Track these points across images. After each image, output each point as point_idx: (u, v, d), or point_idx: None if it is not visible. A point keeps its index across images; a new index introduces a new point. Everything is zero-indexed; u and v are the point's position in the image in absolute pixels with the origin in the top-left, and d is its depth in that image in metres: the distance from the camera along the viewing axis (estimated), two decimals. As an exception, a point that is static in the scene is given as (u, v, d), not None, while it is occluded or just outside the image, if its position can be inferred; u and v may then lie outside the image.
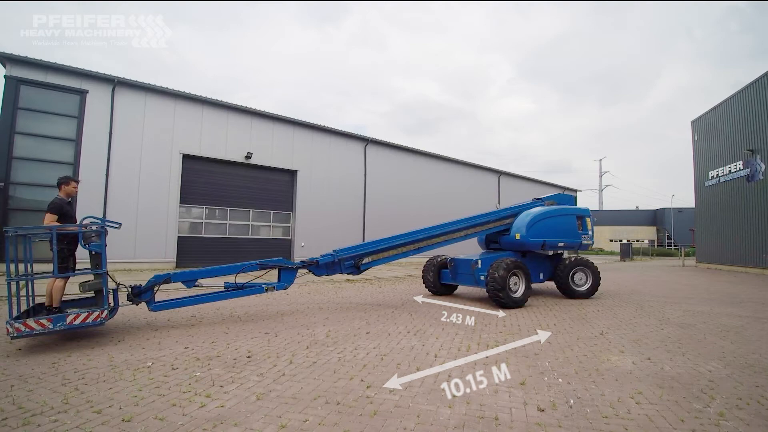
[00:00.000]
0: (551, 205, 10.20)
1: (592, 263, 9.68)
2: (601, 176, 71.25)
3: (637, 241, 49.79)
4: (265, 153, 18.97)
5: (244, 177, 18.76)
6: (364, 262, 7.63)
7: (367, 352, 4.89)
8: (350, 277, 14.34)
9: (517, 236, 9.10)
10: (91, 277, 5.43)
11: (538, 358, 4.62)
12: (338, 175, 21.62)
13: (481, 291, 9.10)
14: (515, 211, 9.75)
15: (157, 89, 15.96)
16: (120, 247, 14.87)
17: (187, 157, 16.84)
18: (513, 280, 8.01)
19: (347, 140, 22.34)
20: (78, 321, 5.01)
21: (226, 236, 18.19)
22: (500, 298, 7.68)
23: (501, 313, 7.45)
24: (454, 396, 3.51)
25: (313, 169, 20.71)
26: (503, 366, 4.33)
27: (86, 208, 14.10)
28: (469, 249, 11.33)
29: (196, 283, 6.47)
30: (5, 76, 12.60)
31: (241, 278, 6.80)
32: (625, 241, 40.73)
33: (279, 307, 8.07)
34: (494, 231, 9.54)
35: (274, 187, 19.77)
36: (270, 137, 19.28)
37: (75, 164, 14.07)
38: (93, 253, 5.37)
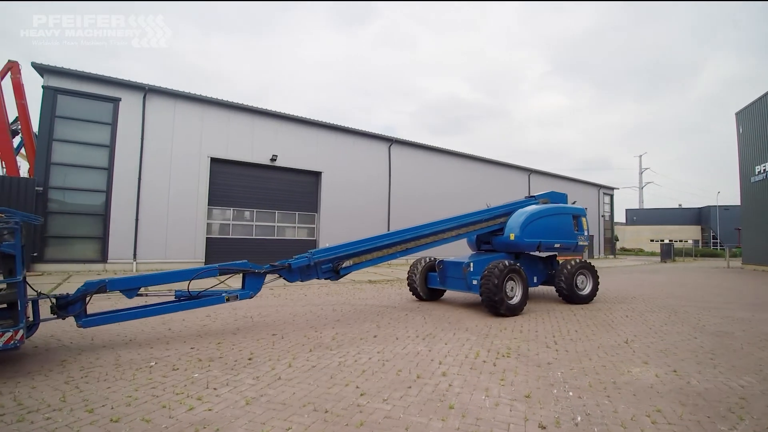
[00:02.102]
0: (545, 203, 9.65)
1: (592, 265, 9.12)
2: (641, 173, 67.94)
3: (680, 241, 46.93)
4: (289, 155, 19.20)
5: (269, 179, 19.06)
6: (344, 265, 6.68)
7: (369, 356, 4.74)
8: (371, 278, 14.26)
9: (512, 236, 8.47)
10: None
11: (550, 368, 4.31)
12: (362, 176, 21.59)
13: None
14: (508, 210, 9.08)
15: (185, 95, 16.49)
16: (152, 248, 15.48)
17: (214, 161, 17.28)
18: (509, 285, 7.39)
19: (371, 141, 22.29)
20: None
21: (253, 237, 18.54)
22: (495, 306, 7.01)
23: (520, 318, 7.11)
24: (450, 407, 3.30)
25: (338, 171, 20.78)
26: (510, 376, 4.06)
27: (120, 211, 14.80)
28: (459, 250, 10.71)
29: (140, 292, 5.31)
30: (43, 87, 13.36)
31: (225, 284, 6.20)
32: (666, 241, 38.48)
33: (294, 308, 8.06)
34: (486, 231, 8.83)
35: (298, 189, 19.98)
36: (294, 139, 19.49)
37: (109, 169, 14.73)
38: (3, 254, 4.13)
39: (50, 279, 11.39)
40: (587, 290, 8.84)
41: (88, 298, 4.94)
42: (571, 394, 3.60)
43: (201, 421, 3.05)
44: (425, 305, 8.46)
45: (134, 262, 14.94)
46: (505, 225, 8.77)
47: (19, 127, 15.98)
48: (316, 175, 20.32)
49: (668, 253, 30.64)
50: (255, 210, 18.64)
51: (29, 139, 15.57)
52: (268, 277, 6.12)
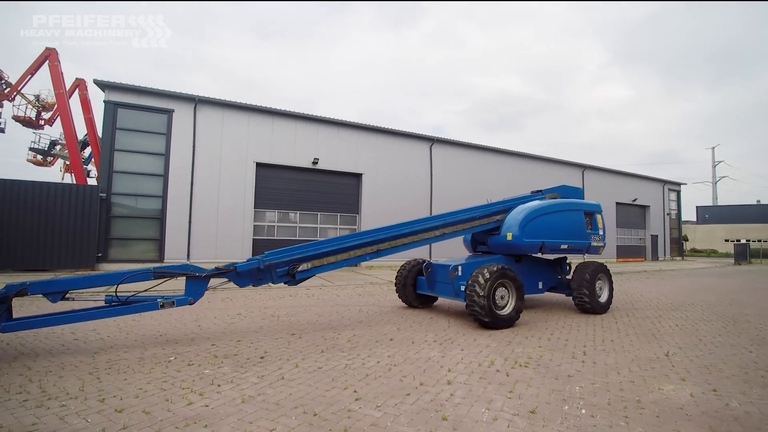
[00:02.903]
0: (554, 198, 8.51)
1: (608, 269, 8.08)
2: (714, 167, 61.67)
3: (759, 241, 41.80)
4: (331, 158, 19.59)
5: (311, 182, 19.57)
6: (300, 269, 5.98)
7: (378, 360, 4.65)
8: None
9: (509, 236, 7.46)
10: None
11: (569, 382, 3.97)
12: (403, 177, 21.51)
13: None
14: (507, 206, 8.01)
15: (232, 104, 17.39)
16: (203, 248, 16.46)
17: (259, 165, 18.05)
18: (500, 292, 6.40)
19: (412, 141, 22.15)
20: None
21: (297, 238, 19.11)
22: (480, 316, 6.10)
23: (552, 324, 6.66)
24: (443, 419, 3.13)
25: (378, 172, 20.87)
26: (521, 388, 3.79)
27: (175, 214, 15.89)
28: (462, 251, 9.70)
29: (67, 296, 4.97)
30: (105, 101, 14.71)
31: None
32: (742, 241, 34.50)
33: (322, 308, 8.16)
34: (482, 230, 7.86)
35: (340, 191, 20.33)
36: (335, 142, 19.85)
37: (165, 175, 15.87)
38: None
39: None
40: (605, 297, 7.86)
41: (9, 300, 4.59)
42: (583, 411, 3.28)
43: (194, 416, 3.13)
44: (453, 306, 8.19)
45: (188, 262, 15.96)
46: (502, 223, 7.78)
47: (88, 139, 17.70)
48: (357, 177, 20.55)
49: (743, 254, 27.47)
50: (298, 212, 19.22)
51: (96, 150, 17.16)
52: (218, 281, 5.66)
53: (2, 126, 20.25)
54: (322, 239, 6.55)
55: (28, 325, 4.72)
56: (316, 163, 19.09)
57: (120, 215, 15.16)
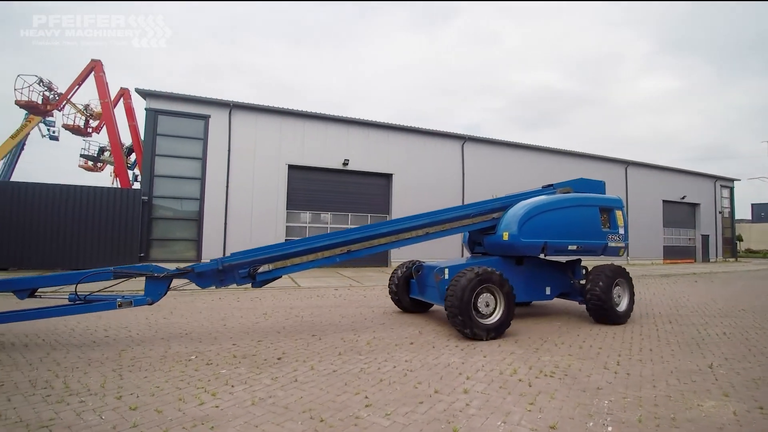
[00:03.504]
0: (566, 192, 7.56)
1: (628, 273, 7.17)
2: (776, 162, 56.54)
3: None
4: (361, 159, 19.67)
5: (342, 183, 19.73)
6: (260, 270, 5.78)
7: (395, 365, 4.52)
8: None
9: (505, 236, 6.71)
10: None
11: (598, 395, 3.66)
12: (434, 176, 21.24)
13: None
14: (506, 203, 7.25)
15: (265, 108, 17.84)
16: (238, 248, 16.89)
17: (291, 167, 18.41)
18: (484, 298, 5.78)
19: (443, 140, 21.83)
20: None
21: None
22: (461, 325, 5.53)
23: (585, 330, 6.26)
24: (455, 431, 2.96)
25: (409, 172, 20.73)
26: (544, 400, 3.53)
27: (212, 216, 16.47)
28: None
29: (36, 294, 5.21)
30: (146, 109, 15.48)
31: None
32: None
33: (347, 309, 8.13)
34: (477, 229, 7.25)
35: (370, 191, 20.37)
36: (366, 143, 19.91)
37: (202, 179, 16.51)
38: None
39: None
40: (624, 305, 6.95)
41: None
42: (609, 429, 2.99)
43: (203, 417, 3.14)
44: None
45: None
46: (499, 222, 7.02)
47: (133, 145, 18.72)
48: (387, 177, 20.51)
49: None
50: (330, 213, 19.43)
51: (140, 155, 18.11)
52: (180, 282, 5.62)
53: (56, 134, 21.88)
54: (294, 239, 6.26)
55: (6, 319, 4.95)
56: (347, 164, 19.22)
57: (161, 217, 15.91)
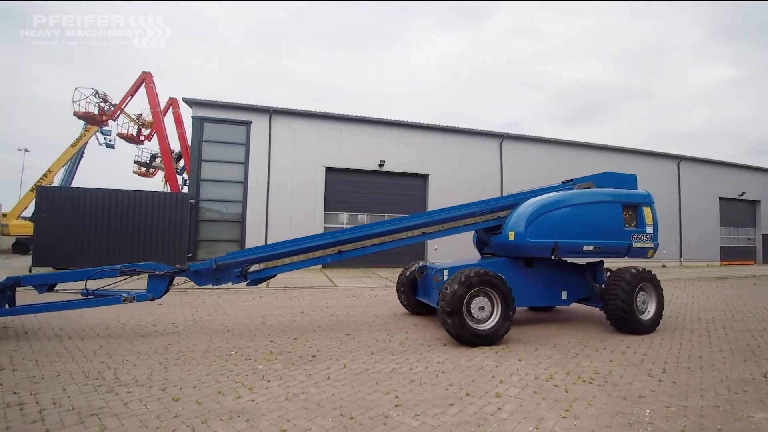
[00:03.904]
0: (587, 188, 6.87)
1: (655, 277, 6.36)
2: None
3: None
4: (397, 159, 19.71)
5: (378, 184, 19.86)
6: (251, 269, 6.06)
7: (427, 366, 4.50)
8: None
9: (511, 235, 6.25)
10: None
11: (640, 403, 3.47)
12: (472, 176, 20.89)
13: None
14: (515, 200, 6.75)
15: (303, 113, 18.31)
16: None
17: (329, 170, 18.76)
18: (478, 302, 5.44)
19: (481, 138, 21.44)
20: None
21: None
22: (452, 329, 5.26)
23: (630, 336, 5.93)
24: (484, 433, 2.91)
25: (445, 172, 20.53)
26: (580, 407, 3.39)
27: (254, 217, 17.11)
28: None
29: (56, 289, 5.83)
30: (192, 117, 16.34)
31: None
32: None
33: (382, 309, 8.18)
34: (482, 228, 6.90)
35: (406, 192, 20.35)
36: (401, 144, 19.93)
37: (244, 182, 17.20)
38: None
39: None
40: (650, 313, 6.22)
41: (8, 292, 5.60)
42: (652, 439, 2.84)
43: (239, 410, 3.28)
44: (527, 314, 7.68)
45: (264, 262, 17.09)
46: (506, 220, 6.56)
47: (181, 151, 19.82)
48: (424, 177, 20.42)
49: None
50: (366, 214, 19.61)
51: (188, 161, 19.15)
52: (180, 279, 5.89)
53: (112, 143, 23.60)
54: (280, 242, 6.40)
55: (25, 311, 5.67)
56: (383, 165, 19.33)
57: (207, 219, 16.74)
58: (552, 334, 6.12)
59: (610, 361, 4.69)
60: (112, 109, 21.66)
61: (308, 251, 6.22)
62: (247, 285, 6.15)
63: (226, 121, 16.98)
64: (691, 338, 5.86)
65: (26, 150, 54.55)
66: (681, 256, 25.10)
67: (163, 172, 25.36)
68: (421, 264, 7.34)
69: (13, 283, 5.60)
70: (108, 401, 3.38)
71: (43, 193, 14.40)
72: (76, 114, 21.04)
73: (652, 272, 6.33)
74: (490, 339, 5.34)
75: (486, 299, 5.51)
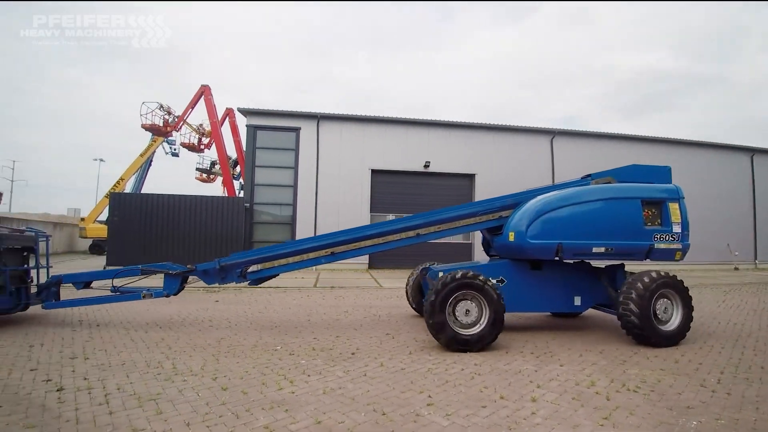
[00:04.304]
0: (606, 183, 6.35)
1: (681, 282, 5.60)
2: None
3: None
4: (442, 160, 19.57)
5: (423, 185, 19.84)
6: (250, 270, 6.44)
7: (463, 367, 4.50)
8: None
9: (511, 236, 5.91)
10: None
11: (686, 414, 3.26)
12: (520, 175, 20.19)
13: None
14: (519, 199, 6.32)
15: (349, 117, 18.76)
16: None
17: (374, 172, 19.04)
18: (464, 305, 5.25)
19: (530, 135, 20.71)
20: None
21: (410, 241, 19.58)
22: (434, 331, 5.15)
23: (693, 342, 5.52)
24: (515, 436, 2.90)
25: (492, 171, 20.06)
26: (621, 416, 3.26)
27: (303, 220, 17.80)
28: None
29: (91, 286, 6.67)
30: (246, 126, 17.30)
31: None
32: None
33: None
34: (490, 229, 6.64)
35: (452, 193, 20.13)
36: (446, 144, 19.77)
37: (294, 186, 17.93)
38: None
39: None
40: (674, 323, 5.46)
41: (52, 287, 6.53)
42: (698, 453, 2.68)
43: (280, 401, 3.50)
44: (572, 320, 7.40)
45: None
46: (508, 220, 6.17)
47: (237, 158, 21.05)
48: (470, 177, 20.11)
49: None
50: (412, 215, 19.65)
51: (243, 167, 20.31)
52: (193, 278, 6.52)
53: (177, 151, 25.58)
54: (278, 244, 6.66)
55: (67, 304, 6.58)
56: (428, 166, 19.29)
57: (260, 221, 17.66)
58: (599, 339, 5.85)
59: (661, 370, 4.42)
60: (175, 120, 23.50)
61: (303, 253, 6.44)
62: (249, 284, 6.62)
63: (276, 128, 17.82)
64: (755, 347, 5.35)
65: (101, 160, 60.34)
66: (756, 258, 22.66)
67: (221, 178, 27.06)
68: (424, 266, 7.34)
69: (57, 280, 6.55)
70: (165, 388, 3.75)
71: (115, 199, 15.98)
72: (143, 126, 23.06)
73: (677, 277, 5.61)
74: (474, 344, 5.12)
75: (472, 303, 5.30)
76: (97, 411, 3.22)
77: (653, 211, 5.93)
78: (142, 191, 25.08)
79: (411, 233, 6.45)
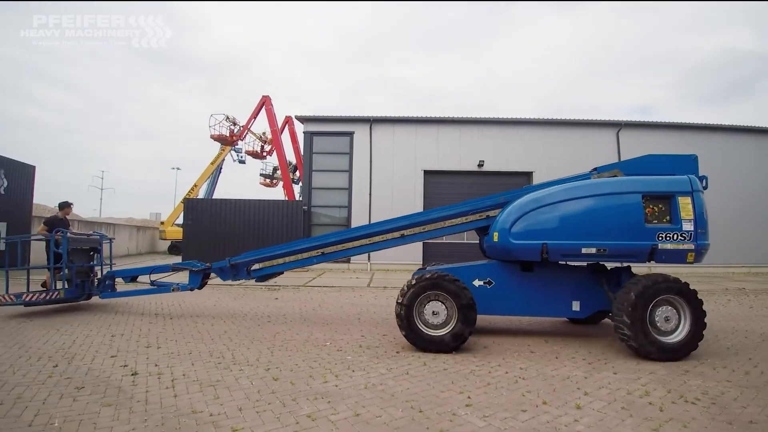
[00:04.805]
0: (612, 177, 5.73)
1: (688, 287, 4.94)
2: None
3: None
4: (497, 158, 19.08)
5: (478, 185, 19.42)
6: (253, 268, 6.95)
7: (507, 371, 4.44)
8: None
9: (495, 237, 5.64)
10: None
11: (748, 429, 2.98)
12: (581, 170, 19.11)
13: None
14: (509, 198, 5.97)
15: (401, 119, 18.95)
16: (381, 251, 18.41)
17: (427, 172, 19.05)
18: (432, 306, 5.25)
19: (593, 129, 19.50)
20: (29, 299, 6.98)
21: (464, 242, 19.30)
22: (400, 327, 5.25)
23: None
24: (552, 441, 2.85)
25: (551, 168, 19.07)
26: (671, 428, 3.05)
27: (358, 222, 18.26)
28: None
29: (138, 280, 7.82)
30: (303, 132, 18.15)
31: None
32: None
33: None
34: (478, 228, 6.47)
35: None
36: (501, 142, 19.24)
37: (349, 189, 18.47)
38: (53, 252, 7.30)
39: (309, 275, 15.31)
40: (679, 335, 4.89)
41: (107, 280, 7.79)
42: (759, 473, 2.45)
43: (324, 393, 3.72)
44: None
45: (369, 263, 18.08)
46: (495, 220, 5.87)
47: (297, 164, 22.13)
48: (527, 175, 19.36)
49: None
50: (466, 216, 19.36)
51: (302, 171, 21.30)
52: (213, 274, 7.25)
53: (244, 159, 27.49)
54: (286, 243, 7.20)
55: (118, 295, 7.84)
56: (482, 165, 18.90)
57: (318, 223, 18.43)
58: (664, 348, 5.43)
59: (727, 381, 4.04)
60: (240, 130, 25.26)
61: (297, 253, 6.85)
62: (255, 282, 7.39)
63: (331, 134, 18.50)
64: None
65: (178, 168, 66.25)
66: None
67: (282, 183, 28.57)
68: (420, 267, 7.36)
69: (111, 275, 7.86)
70: (224, 376, 4.14)
71: (188, 204, 17.56)
72: (212, 137, 25.08)
73: (683, 282, 5.00)
74: (440, 346, 5.13)
75: (440, 305, 5.27)
76: (163, 394, 3.65)
77: (660, 207, 5.25)
78: (214, 196, 27.21)
79: (396, 234, 6.54)
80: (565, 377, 4.24)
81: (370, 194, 18.43)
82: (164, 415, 3.19)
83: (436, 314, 5.27)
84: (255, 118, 24.00)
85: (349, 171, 18.56)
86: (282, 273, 7.35)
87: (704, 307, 4.96)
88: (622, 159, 19.24)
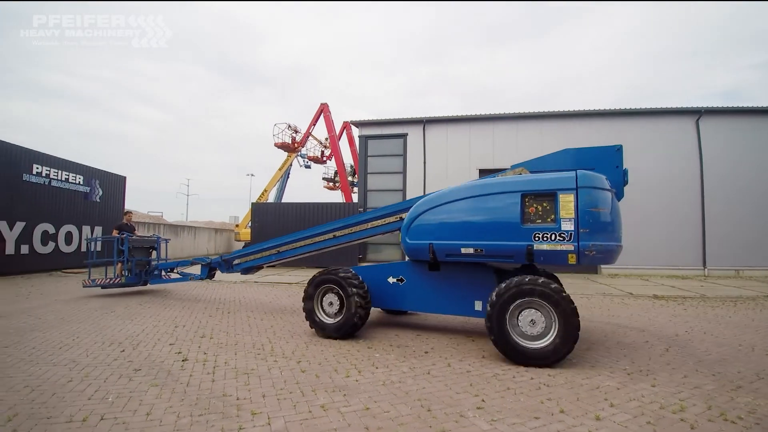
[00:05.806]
0: (517, 174, 5.75)
1: (558, 290, 4.61)
2: None
3: None
4: (558, 155, 18.13)
5: (537, 183, 18.63)
6: (234, 263, 8.24)
7: (532, 377, 4.32)
8: (669, 292, 11.47)
9: (399, 237, 6.18)
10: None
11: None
12: (654, 166, 17.40)
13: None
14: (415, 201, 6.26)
15: (454, 118, 18.74)
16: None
17: (482, 171, 18.60)
18: (328, 298, 6.05)
19: (666, 118, 17.63)
20: (101, 282, 9.35)
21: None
22: (309, 320, 6.09)
23: None
24: (554, 449, 2.78)
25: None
26: (701, 446, 2.82)
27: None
28: None
29: (176, 270, 9.73)
30: (359, 136, 18.67)
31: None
32: None
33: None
34: (364, 237, 7.14)
35: (571, 191, 18.47)
36: (562, 136, 18.13)
37: (403, 190, 18.67)
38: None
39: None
40: (545, 340, 4.63)
41: (155, 272, 9.94)
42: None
43: (343, 386, 3.94)
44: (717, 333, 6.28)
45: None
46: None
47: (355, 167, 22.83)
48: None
49: None
50: (525, 216, 18.63)
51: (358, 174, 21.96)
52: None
53: (308, 164, 28.97)
54: (257, 243, 8.73)
55: (157, 282, 10.12)
56: (541, 162, 18.06)
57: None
58: (720, 360, 4.89)
59: (788, 403, 3.56)
60: (302, 137, 26.69)
61: (262, 251, 7.93)
62: (241, 274, 8.48)
63: (385, 136, 18.86)
64: None
65: (252, 174, 70.89)
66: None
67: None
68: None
69: (155, 267, 10.04)
70: (259, 365, 4.54)
71: (255, 208, 18.93)
72: (276, 145, 26.77)
73: (552, 285, 4.64)
74: (336, 331, 5.79)
75: (335, 296, 5.98)
76: (204, 378, 4.11)
77: (545, 206, 4.93)
78: (283, 200, 28.98)
79: (329, 235, 7.25)
80: (594, 387, 4.03)
81: (424, 194, 18.44)
82: (199, 396, 3.62)
83: (332, 305, 6.01)
84: (314, 125, 25.25)
85: (403, 173, 18.75)
86: (261, 267, 8.40)
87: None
88: (702, 149, 17.36)
